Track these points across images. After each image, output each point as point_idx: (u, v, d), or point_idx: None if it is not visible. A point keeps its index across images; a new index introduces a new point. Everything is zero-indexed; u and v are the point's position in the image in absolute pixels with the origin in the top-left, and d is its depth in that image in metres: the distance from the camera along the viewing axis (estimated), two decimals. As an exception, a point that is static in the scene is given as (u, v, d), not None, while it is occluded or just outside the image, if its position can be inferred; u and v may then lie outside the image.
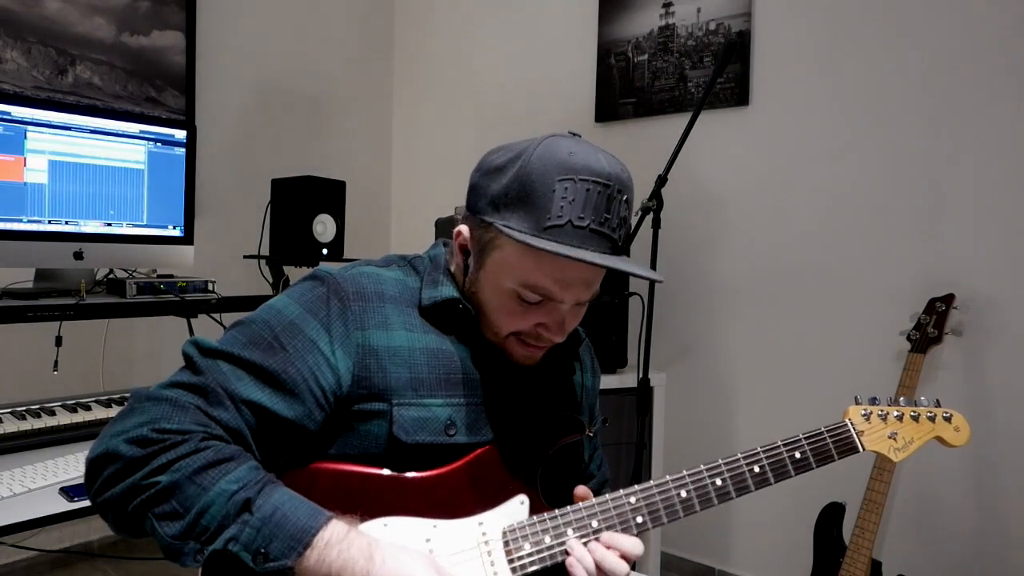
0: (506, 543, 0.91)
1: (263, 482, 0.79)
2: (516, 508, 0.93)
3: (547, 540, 0.91)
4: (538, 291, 0.90)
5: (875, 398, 1.07)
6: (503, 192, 0.89)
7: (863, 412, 1.04)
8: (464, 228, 0.96)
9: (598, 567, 0.88)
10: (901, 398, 1.08)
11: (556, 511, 0.93)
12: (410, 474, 0.91)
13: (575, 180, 0.86)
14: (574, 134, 0.94)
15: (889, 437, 1.04)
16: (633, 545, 0.90)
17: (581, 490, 0.98)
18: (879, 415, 1.04)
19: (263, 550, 0.75)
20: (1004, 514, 2.03)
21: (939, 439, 1.06)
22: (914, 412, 1.05)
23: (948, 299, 2.00)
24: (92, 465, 0.80)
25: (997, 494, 2.04)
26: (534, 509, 0.94)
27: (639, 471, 2.16)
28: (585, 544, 0.90)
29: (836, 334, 2.31)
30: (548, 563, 0.91)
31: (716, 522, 2.55)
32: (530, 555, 0.90)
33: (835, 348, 2.31)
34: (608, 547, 0.90)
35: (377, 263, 1.02)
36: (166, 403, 0.81)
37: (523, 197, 0.87)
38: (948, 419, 1.06)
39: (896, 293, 2.18)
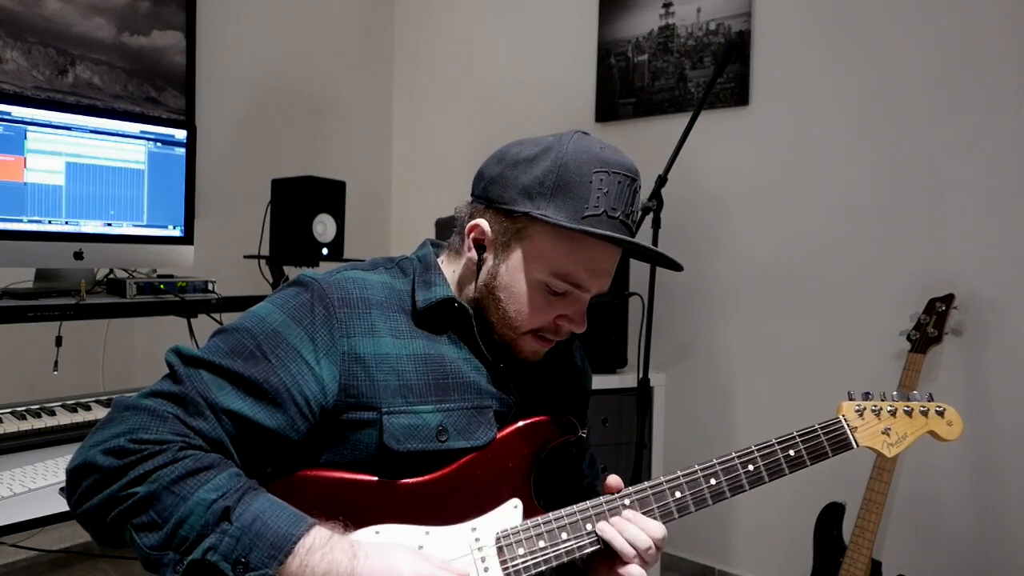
0: (500, 548, 0.90)
1: (243, 490, 0.78)
2: (509, 512, 0.92)
3: (541, 544, 0.90)
4: (568, 279, 0.91)
5: (868, 393, 1.06)
6: (538, 181, 0.89)
7: (856, 408, 1.04)
8: (482, 221, 0.94)
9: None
10: (894, 392, 1.07)
11: (550, 514, 0.93)
12: (401, 480, 0.90)
13: (609, 172, 0.89)
14: (585, 133, 0.95)
15: (883, 432, 1.03)
16: (656, 528, 0.92)
17: (613, 480, 0.97)
18: (872, 410, 1.04)
19: (243, 559, 0.74)
20: (1004, 514, 2.03)
21: (932, 433, 1.05)
22: (907, 407, 1.05)
23: (948, 299, 2.00)
24: (71, 476, 0.79)
25: (997, 494, 2.04)
26: (528, 513, 0.93)
27: (639, 471, 2.16)
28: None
29: (836, 334, 2.31)
30: (543, 567, 0.90)
31: (716, 522, 2.55)
32: (524, 559, 0.90)
33: (835, 348, 2.31)
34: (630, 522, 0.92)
35: (363, 267, 1.00)
36: (145, 413, 0.80)
37: (561, 186, 0.89)
38: (941, 413, 1.05)
39: (896, 293, 2.18)
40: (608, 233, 0.87)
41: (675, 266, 0.94)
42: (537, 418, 0.98)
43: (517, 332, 0.95)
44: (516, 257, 0.92)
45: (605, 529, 0.91)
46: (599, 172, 0.89)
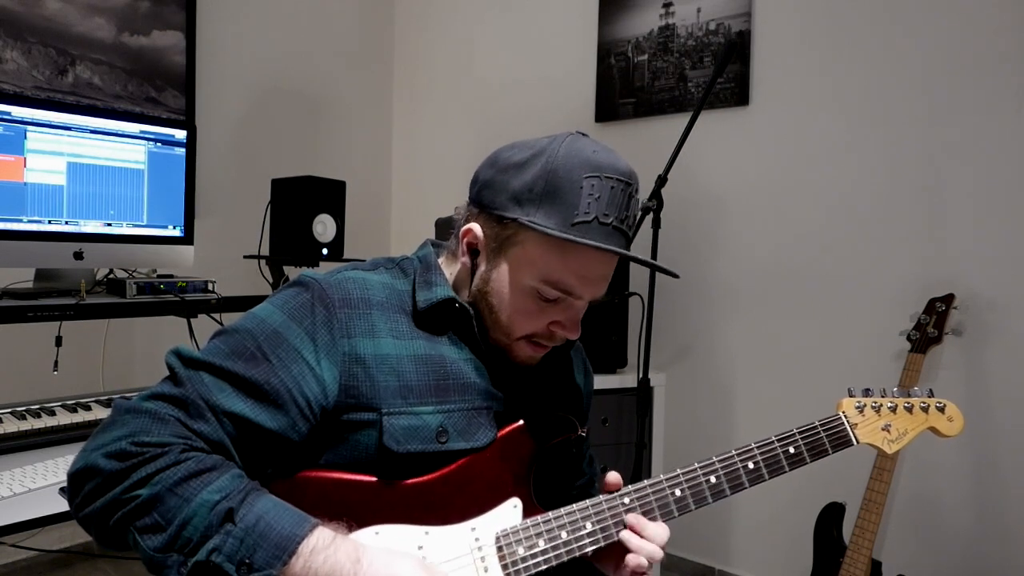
0: (499, 548, 0.90)
1: (246, 491, 0.78)
2: (509, 512, 0.92)
3: (541, 544, 0.90)
4: (559, 287, 0.90)
5: (868, 390, 1.06)
6: (527, 187, 0.88)
7: (856, 404, 1.04)
8: (475, 226, 0.94)
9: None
10: (895, 389, 1.07)
11: (550, 513, 0.93)
12: (401, 481, 0.89)
13: (601, 178, 0.87)
14: (583, 134, 0.94)
15: (883, 429, 1.03)
16: (663, 534, 0.92)
17: (612, 477, 0.97)
18: (872, 407, 1.04)
19: (247, 560, 0.74)
20: (1004, 514, 2.03)
21: (933, 430, 1.06)
22: (907, 403, 1.05)
23: (948, 299, 2.00)
24: (72, 480, 0.79)
25: (997, 494, 2.04)
26: (527, 512, 0.93)
27: (639, 471, 2.16)
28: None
29: (836, 334, 2.31)
30: (543, 567, 0.90)
31: (716, 522, 2.55)
32: (524, 559, 0.90)
33: (835, 348, 2.31)
34: (634, 530, 0.92)
35: (364, 267, 1.00)
36: (146, 416, 0.79)
37: (550, 192, 0.87)
38: (941, 409, 1.06)
39: (896, 293, 2.18)
40: (593, 244, 0.85)
41: (670, 274, 0.93)
42: (536, 417, 0.97)
43: (510, 338, 0.94)
44: (507, 263, 0.92)
45: (630, 560, 0.91)
46: (590, 177, 0.87)
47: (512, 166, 0.90)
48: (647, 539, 0.91)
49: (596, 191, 0.87)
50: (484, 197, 0.93)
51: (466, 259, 0.96)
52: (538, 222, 0.87)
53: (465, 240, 0.95)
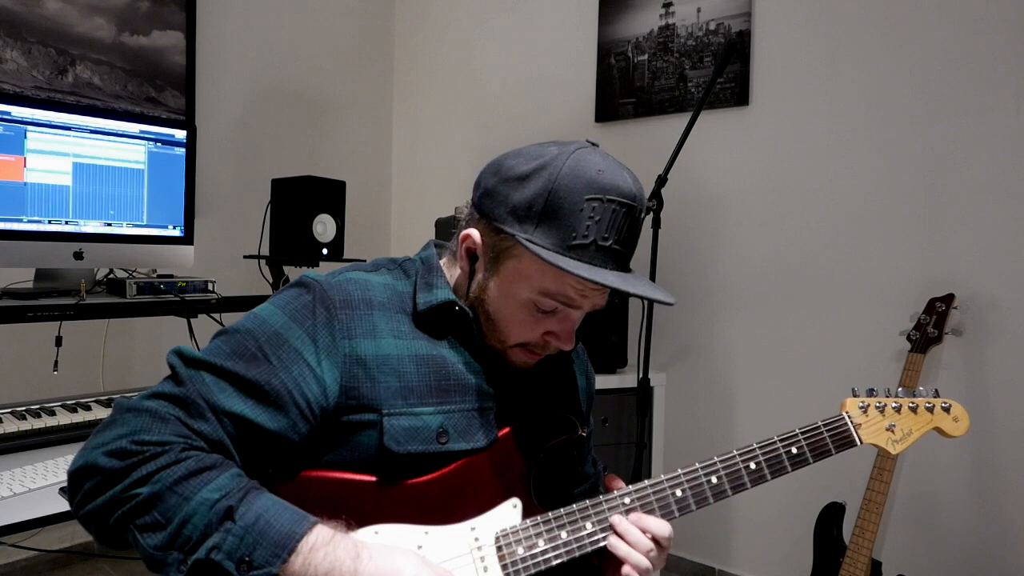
0: (499, 548, 0.90)
1: (246, 489, 0.78)
2: (509, 512, 0.92)
3: (540, 544, 0.91)
4: (557, 298, 0.89)
5: (872, 390, 1.05)
6: (527, 204, 0.87)
7: (860, 405, 1.03)
8: (474, 232, 0.93)
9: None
10: (899, 389, 1.06)
11: (549, 514, 0.93)
12: (401, 481, 0.89)
13: (603, 200, 0.85)
14: (592, 143, 0.92)
15: (887, 429, 1.02)
16: (660, 525, 0.92)
17: (615, 481, 0.97)
18: (876, 407, 1.03)
19: (247, 558, 0.74)
20: (1005, 514, 2.03)
21: (938, 430, 1.05)
22: (912, 403, 1.04)
23: (948, 299, 2.00)
24: (73, 478, 0.79)
25: (997, 494, 2.04)
26: (527, 512, 0.93)
27: (639, 471, 2.16)
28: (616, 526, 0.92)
29: (836, 334, 2.31)
30: (542, 567, 0.90)
31: (716, 522, 2.55)
32: (523, 559, 0.90)
33: (835, 348, 2.31)
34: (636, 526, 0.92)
35: (365, 268, 1.00)
36: (146, 415, 0.80)
37: (549, 212, 0.86)
38: (947, 409, 1.05)
39: (896, 293, 2.18)
40: (585, 275, 0.84)
41: (665, 303, 0.91)
42: (536, 418, 0.98)
43: (504, 345, 0.95)
44: (504, 274, 0.91)
45: (616, 545, 0.91)
46: (592, 199, 0.85)
47: (515, 178, 0.89)
48: (645, 530, 0.91)
49: (596, 214, 0.85)
50: (484, 205, 0.92)
51: (464, 264, 0.96)
52: (535, 241, 0.86)
53: (464, 245, 0.95)
